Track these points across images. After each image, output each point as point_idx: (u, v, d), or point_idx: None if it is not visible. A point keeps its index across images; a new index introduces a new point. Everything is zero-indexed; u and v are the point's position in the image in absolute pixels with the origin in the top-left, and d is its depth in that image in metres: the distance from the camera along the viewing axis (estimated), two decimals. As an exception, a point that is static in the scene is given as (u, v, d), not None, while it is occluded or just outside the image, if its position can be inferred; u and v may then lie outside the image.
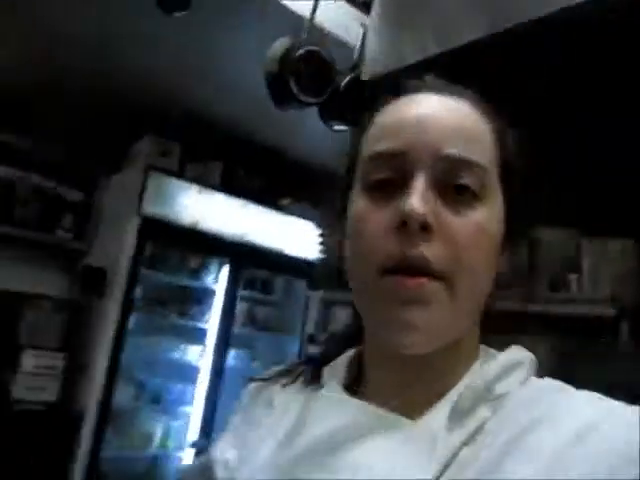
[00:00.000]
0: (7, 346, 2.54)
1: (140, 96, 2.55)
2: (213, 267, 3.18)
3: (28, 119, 2.67)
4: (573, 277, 1.83)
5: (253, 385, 0.61)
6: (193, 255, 3.11)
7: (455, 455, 0.42)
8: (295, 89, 1.56)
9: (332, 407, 0.49)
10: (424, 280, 0.43)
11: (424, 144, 0.46)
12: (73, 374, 2.57)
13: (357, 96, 1.60)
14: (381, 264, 0.45)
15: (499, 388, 0.45)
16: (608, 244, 1.84)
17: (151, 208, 2.62)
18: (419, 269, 0.43)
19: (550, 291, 1.86)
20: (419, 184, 0.45)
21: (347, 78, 1.62)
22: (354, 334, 0.56)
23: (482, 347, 0.52)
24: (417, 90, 0.52)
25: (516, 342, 1.81)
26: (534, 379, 0.48)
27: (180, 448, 2.97)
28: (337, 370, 0.54)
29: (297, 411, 0.52)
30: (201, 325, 3.13)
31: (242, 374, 3.20)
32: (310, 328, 2.51)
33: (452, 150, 0.46)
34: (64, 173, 2.84)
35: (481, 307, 0.49)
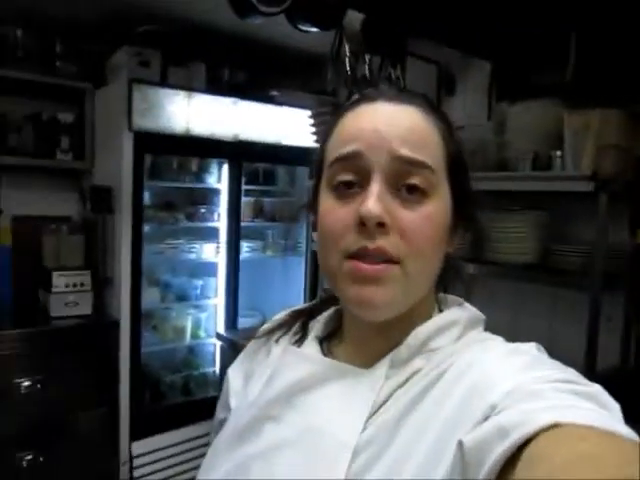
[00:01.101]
0: (38, 269, 2.74)
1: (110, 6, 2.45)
2: (213, 167, 3.23)
3: None
4: (556, 154, 1.84)
5: (258, 336, 0.73)
6: (192, 159, 3.16)
7: (391, 395, 0.54)
8: (255, 0, 1.52)
9: (300, 360, 0.61)
10: (382, 266, 0.53)
11: (380, 146, 0.54)
12: (102, 288, 2.78)
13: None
14: (345, 251, 0.54)
15: (433, 344, 0.56)
16: (590, 115, 1.80)
17: (142, 121, 2.62)
18: (378, 258, 0.53)
19: (533, 169, 1.91)
20: (375, 186, 0.53)
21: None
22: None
23: (436, 306, 0.63)
24: (374, 100, 0.58)
25: (504, 219, 1.94)
26: (472, 333, 0.59)
27: (210, 336, 3.27)
28: (318, 325, 0.67)
29: (276, 362, 0.65)
30: (212, 224, 3.26)
31: (256, 264, 3.42)
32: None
33: (404, 151, 0.53)
34: (51, 94, 2.81)
35: (433, 280, 0.59)
